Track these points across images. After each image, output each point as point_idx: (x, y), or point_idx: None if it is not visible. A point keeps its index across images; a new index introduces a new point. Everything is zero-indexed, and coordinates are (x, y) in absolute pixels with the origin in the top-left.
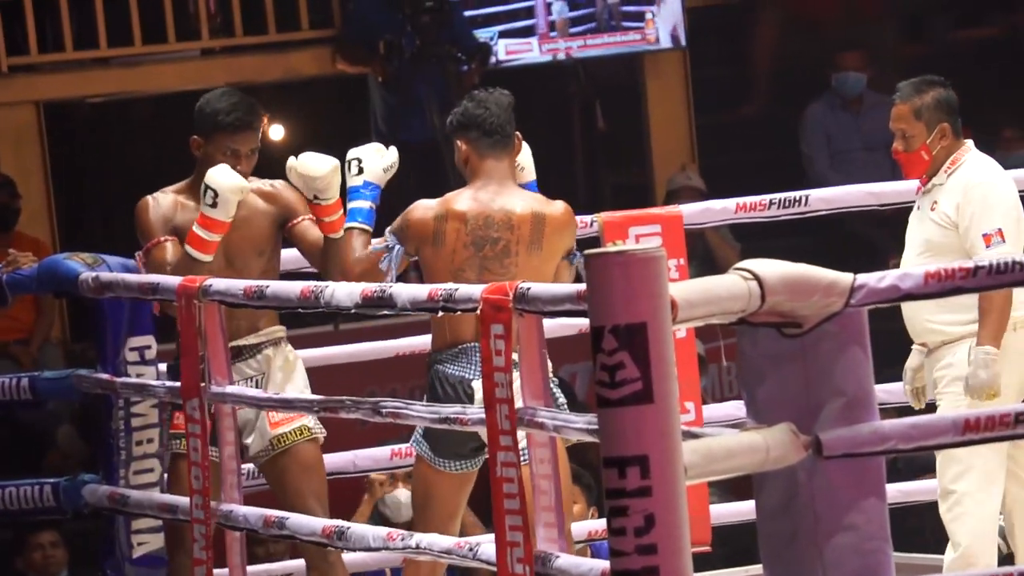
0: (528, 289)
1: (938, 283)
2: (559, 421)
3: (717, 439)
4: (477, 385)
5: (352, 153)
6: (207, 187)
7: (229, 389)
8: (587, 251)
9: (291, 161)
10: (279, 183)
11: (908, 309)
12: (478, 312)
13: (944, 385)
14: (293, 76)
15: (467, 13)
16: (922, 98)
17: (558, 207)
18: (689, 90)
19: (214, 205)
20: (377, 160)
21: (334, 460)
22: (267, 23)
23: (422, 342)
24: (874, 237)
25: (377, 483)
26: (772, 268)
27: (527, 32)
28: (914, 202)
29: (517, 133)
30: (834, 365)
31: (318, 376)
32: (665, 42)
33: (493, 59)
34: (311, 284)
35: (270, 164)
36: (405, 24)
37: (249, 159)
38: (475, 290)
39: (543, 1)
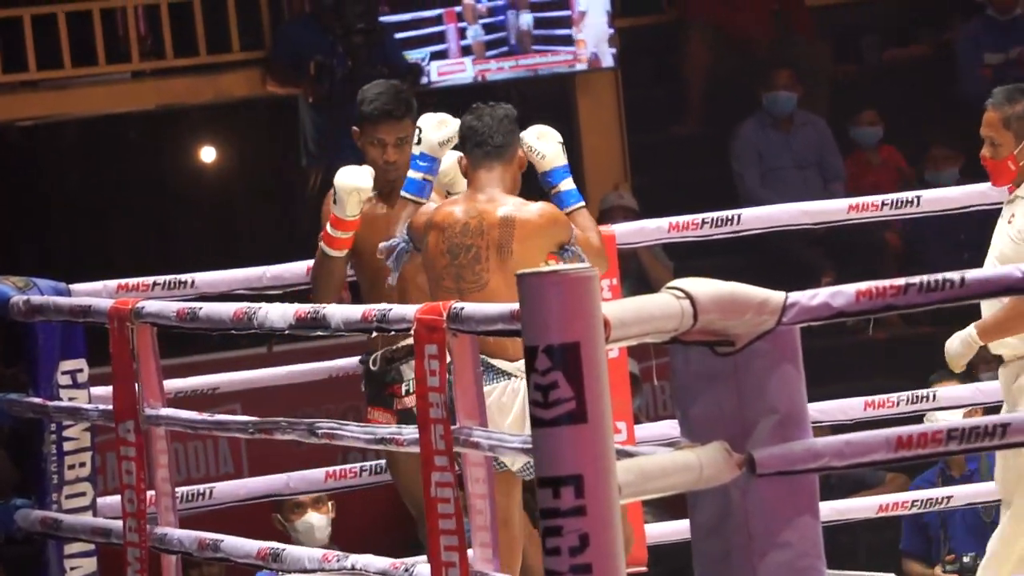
0: (461, 309)
1: (869, 301)
2: (494, 441)
3: (651, 458)
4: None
5: (419, 121)
6: (332, 183)
7: (163, 412)
8: (519, 271)
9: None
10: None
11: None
12: (411, 333)
13: None
14: (224, 98)
15: (398, 36)
16: (1013, 107)
17: (531, 209)
18: (622, 110)
19: (335, 203)
20: (435, 132)
21: (268, 482)
22: (198, 45)
23: (356, 363)
24: (807, 255)
25: (287, 508)
26: (705, 287)
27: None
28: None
29: (532, 148)
30: (767, 383)
31: (253, 398)
32: (590, 63)
33: (424, 80)
34: (244, 305)
35: (202, 186)
36: (336, 45)
37: (399, 148)
38: (409, 311)
39: (455, 26)
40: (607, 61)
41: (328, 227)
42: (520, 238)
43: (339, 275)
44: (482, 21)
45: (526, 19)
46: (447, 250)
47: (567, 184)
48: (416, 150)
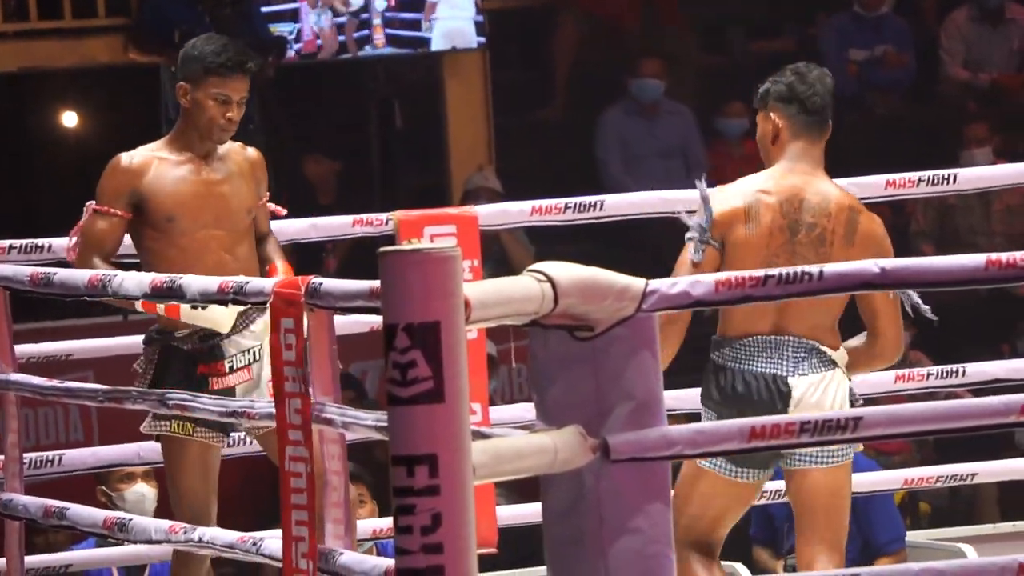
0: (320, 284)
1: (728, 291)
2: (348, 418)
3: (506, 440)
4: (795, 382)
5: None
6: (203, 306)
7: (13, 377)
8: (381, 248)
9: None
10: (256, 152)
11: None
12: (269, 305)
13: None
14: (88, 63)
15: (264, 9)
16: None
17: (873, 216)
18: (489, 91)
19: (193, 307)
20: None
21: (118, 451)
22: (63, 8)
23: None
24: (667, 243)
25: (114, 479)
26: (566, 271)
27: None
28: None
29: (830, 122)
30: (624, 369)
31: (106, 366)
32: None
33: (291, 53)
34: (99, 272)
35: (63, 151)
36: (203, 16)
37: (240, 107)
38: (266, 283)
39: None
40: (475, 41)
41: (159, 304)
42: (863, 233)
43: None
44: None
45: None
46: (787, 225)
47: None
48: None
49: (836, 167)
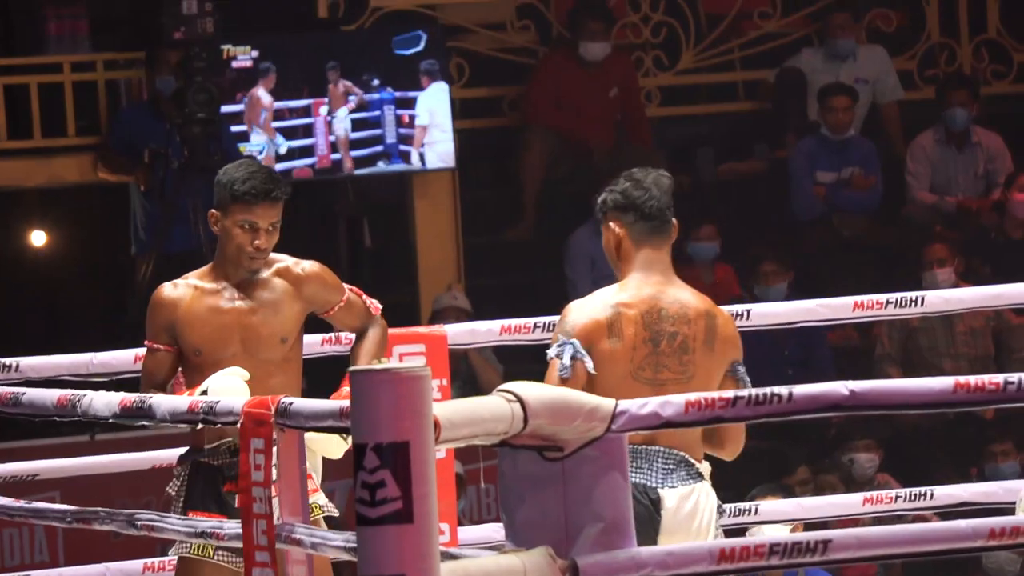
0: (290, 404)
1: (698, 411)
2: (317, 538)
3: (475, 561)
4: (665, 494)
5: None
6: (204, 391)
7: None
8: (351, 368)
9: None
10: (311, 266)
11: None
12: (239, 426)
13: None
14: (57, 182)
15: (234, 128)
16: None
17: (727, 315)
18: (458, 210)
19: (202, 392)
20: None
21: (84, 572)
22: (33, 127)
23: (179, 454)
24: None
25: None
26: (535, 391)
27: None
28: None
29: (674, 220)
30: (593, 490)
31: (73, 486)
32: (433, 164)
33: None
34: (68, 393)
35: (31, 270)
36: (173, 134)
37: (270, 235)
38: (236, 403)
39: (324, 118)
40: (445, 162)
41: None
42: (722, 337)
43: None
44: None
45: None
46: (649, 338)
47: None
48: None
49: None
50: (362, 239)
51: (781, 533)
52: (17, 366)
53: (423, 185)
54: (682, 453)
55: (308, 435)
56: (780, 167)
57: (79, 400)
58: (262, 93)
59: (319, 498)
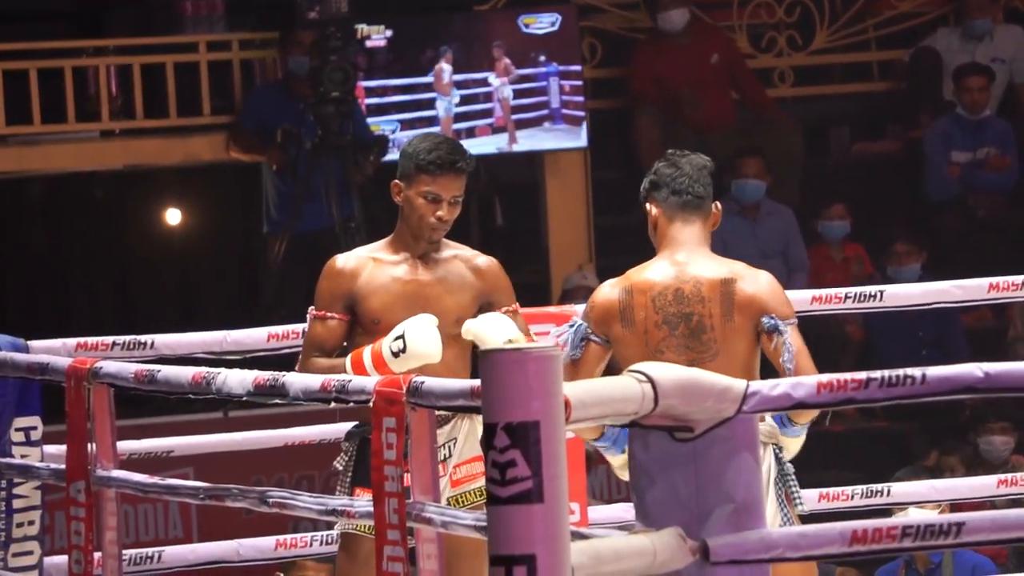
0: (422, 383)
1: (830, 393)
2: (447, 517)
3: (605, 541)
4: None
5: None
6: (401, 336)
7: (115, 473)
8: (483, 347)
9: (468, 325)
10: (489, 261)
11: None
12: (371, 404)
13: None
14: (192, 161)
15: (367, 101)
16: None
17: (750, 274)
18: (589, 190)
19: (396, 355)
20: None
21: (217, 548)
22: (168, 107)
23: (312, 432)
24: None
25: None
26: (667, 372)
27: (429, 123)
28: None
29: (716, 203)
30: (724, 471)
31: (206, 463)
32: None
33: (392, 153)
34: (203, 370)
35: (166, 248)
36: (306, 113)
37: (452, 207)
38: (368, 382)
39: (496, 88)
40: (579, 141)
41: (367, 362)
42: (740, 305)
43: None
44: (461, 92)
45: (506, 91)
46: (662, 321)
47: None
48: None
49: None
50: (494, 218)
51: (927, 515)
52: (152, 343)
53: (554, 165)
54: None
55: (396, 358)
56: (915, 147)
57: (214, 378)
58: (444, 66)
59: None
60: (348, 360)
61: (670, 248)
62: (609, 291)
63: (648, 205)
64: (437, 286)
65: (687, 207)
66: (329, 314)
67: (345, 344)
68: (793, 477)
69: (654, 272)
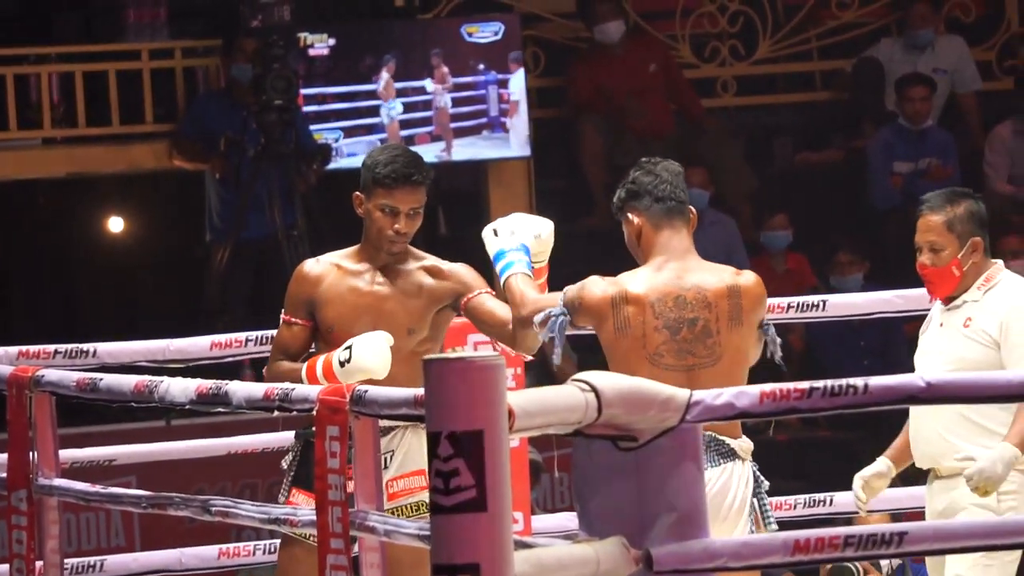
0: (365, 392)
1: (773, 403)
2: (390, 526)
3: (549, 550)
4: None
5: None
6: (349, 346)
7: (57, 482)
8: (425, 357)
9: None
10: (457, 266)
11: (926, 431)
12: (314, 413)
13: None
14: (135, 169)
15: (305, 109)
16: (955, 209)
17: (750, 278)
18: (532, 199)
19: (342, 366)
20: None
21: (160, 557)
22: (111, 114)
23: (255, 441)
24: None
25: None
26: (610, 381)
27: (370, 130)
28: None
29: (691, 208)
30: (667, 480)
31: (149, 471)
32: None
33: (334, 162)
34: (146, 378)
35: (108, 256)
36: (248, 121)
37: (411, 219)
38: (312, 391)
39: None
40: (523, 150)
41: (319, 370)
42: (747, 309)
43: None
44: (402, 100)
45: (444, 100)
46: (663, 326)
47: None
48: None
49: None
50: (437, 227)
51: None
52: (94, 352)
53: (498, 173)
54: (711, 433)
55: (343, 368)
56: (857, 157)
57: (156, 386)
58: (387, 74)
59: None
60: (304, 367)
61: (663, 256)
62: (602, 291)
63: (629, 215)
64: (392, 299)
65: (672, 213)
66: (293, 319)
67: (312, 348)
68: (767, 496)
69: (651, 279)
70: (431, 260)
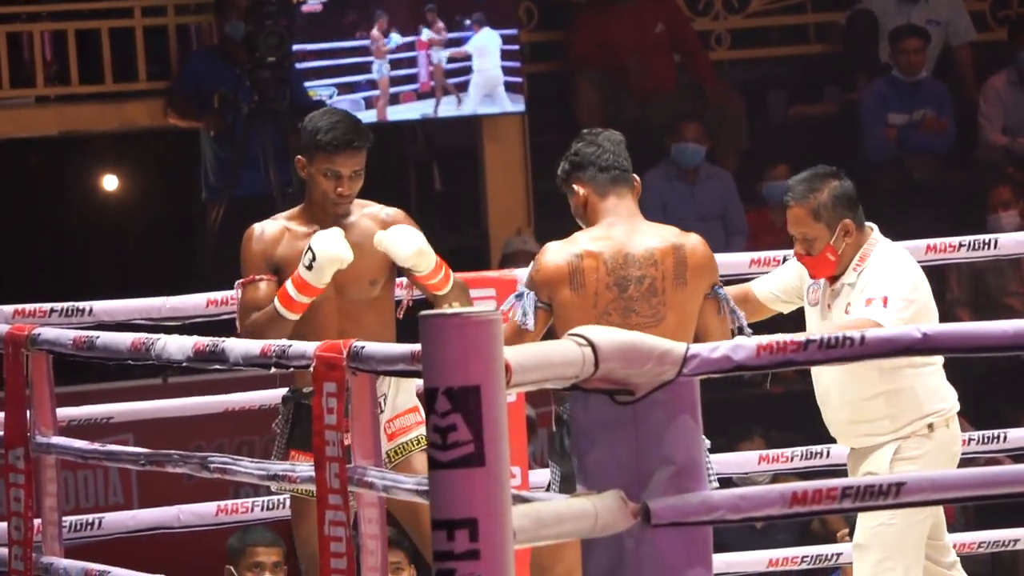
0: (362, 348)
1: (770, 355)
2: (388, 481)
3: (547, 504)
4: None
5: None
6: (308, 248)
7: (54, 440)
8: (422, 312)
9: (379, 236)
10: (396, 212)
11: (826, 410)
12: (311, 369)
13: None
14: (128, 127)
15: (299, 66)
16: (817, 197)
17: (694, 238)
18: (527, 155)
19: (310, 268)
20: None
21: (158, 514)
22: (103, 72)
23: (252, 398)
24: None
25: (244, 565)
26: (606, 335)
27: (367, 88)
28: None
29: (635, 176)
30: (664, 433)
31: (146, 429)
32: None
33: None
34: (142, 336)
35: (103, 214)
36: (242, 79)
37: (352, 181)
38: (308, 347)
39: (425, 52)
40: (515, 106)
41: (291, 288)
42: (692, 267)
43: (290, 330)
44: (390, 57)
45: (439, 56)
46: (613, 283)
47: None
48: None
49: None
50: (432, 184)
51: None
52: (91, 310)
53: (493, 129)
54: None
55: (309, 271)
56: (851, 109)
57: (153, 344)
58: (376, 32)
59: (424, 430)
60: (275, 299)
61: (611, 219)
62: (557, 254)
63: (575, 187)
64: (352, 253)
65: (617, 181)
66: (258, 276)
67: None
68: (708, 454)
69: (605, 237)
70: (372, 207)
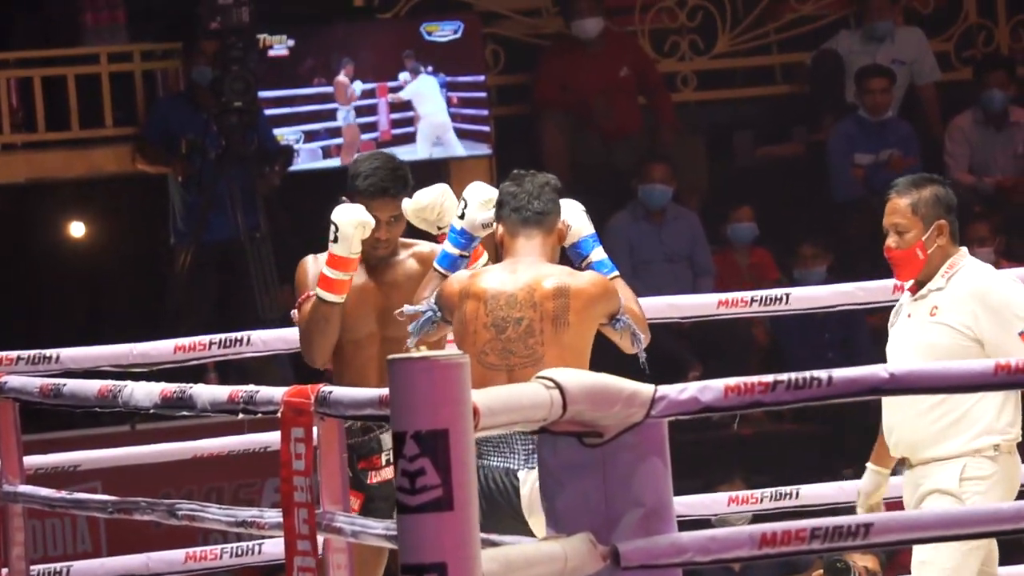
0: (329, 393)
1: (738, 396)
2: (357, 526)
3: (516, 548)
4: (524, 476)
5: (467, 192)
6: (330, 222)
7: (21, 488)
8: (390, 356)
9: (404, 204)
10: (428, 249)
11: (897, 421)
12: (279, 415)
13: (932, 503)
14: (96, 173)
15: (268, 112)
16: (920, 192)
17: (584, 278)
18: None
19: (336, 240)
20: (479, 212)
21: (127, 562)
22: (70, 119)
23: (220, 444)
24: (675, 349)
25: None
26: (574, 378)
27: (331, 135)
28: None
29: (565, 220)
30: (633, 476)
31: (114, 476)
32: (471, 151)
33: (296, 163)
34: (109, 383)
35: (70, 261)
36: (209, 124)
37: (391, 227)
38: (276, 392)
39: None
40: (471, 150)
41: (326, 270)
42: (576, 309)
43: (336, 324)
44: (355, 104)
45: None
46: (491, 323)
47: (598, 254)
48: (457, 224)
49: (843, 270)
50: None
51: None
52: (58, 357)
53: (460, 172)
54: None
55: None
56: (818, 150)
57: (120, 391)
58: (343, 78)
59: None
60: (316, 288)
61: (514, 259)
62: (456, 283)
63: (497, 224)
64: (392, 292)
65: (528, 223)
66: (312, 293)
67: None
68: None
69: (492, 277)
70: (421, 246)
